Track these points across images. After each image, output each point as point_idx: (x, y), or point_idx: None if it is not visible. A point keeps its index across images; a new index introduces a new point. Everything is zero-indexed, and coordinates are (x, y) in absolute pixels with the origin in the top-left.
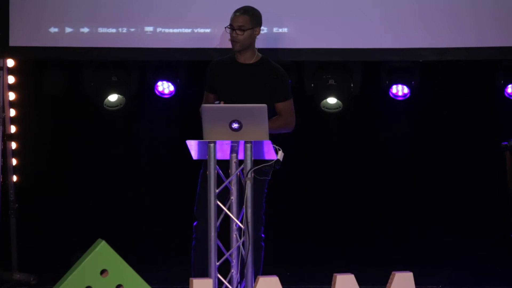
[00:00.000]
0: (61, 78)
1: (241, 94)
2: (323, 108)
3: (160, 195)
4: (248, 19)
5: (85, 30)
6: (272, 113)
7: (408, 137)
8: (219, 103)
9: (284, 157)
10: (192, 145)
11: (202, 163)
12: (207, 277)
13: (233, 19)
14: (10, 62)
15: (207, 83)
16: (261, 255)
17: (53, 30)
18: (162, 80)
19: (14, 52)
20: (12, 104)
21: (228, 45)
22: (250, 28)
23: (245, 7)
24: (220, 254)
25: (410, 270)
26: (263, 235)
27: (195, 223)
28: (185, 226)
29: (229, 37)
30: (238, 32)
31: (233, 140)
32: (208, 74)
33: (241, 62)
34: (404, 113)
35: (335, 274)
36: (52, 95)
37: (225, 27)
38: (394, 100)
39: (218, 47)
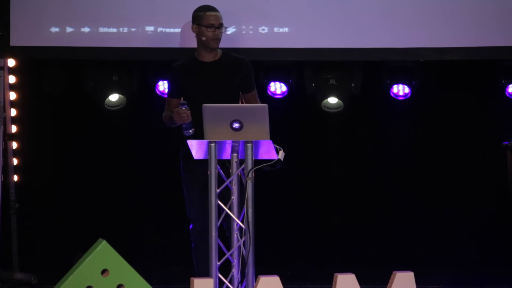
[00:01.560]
0: (62, 78)
1: (214, 92)
2: (323, 108)
3: (161, 195)
4: (220, 16)
5: (86, 29)
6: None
7: (409, 137)
8: (183, 106)
9: (285, 157)
10: (193, 145)
11: (180, 166)
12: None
13: (211, 17)
14: (11, 62)
15: (171, 89)
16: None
17: (54, 29)
18: (163, 80)
19: (15, 52)
20: (13, 104)
21: (229, 44)
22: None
23: (210, 5)
24: (221, 254)
25: (411, 270)
26: None
27: (190, 226)
28: (186, 226)
29: (191, 36)
30: (221, 29)
31: (234, 140)
32: (172, 79)
33: (206, 61)
34: (405, 113)
35: (336, 274)
36: (53, 94)
37: (201, 26)
38: (395, 99)
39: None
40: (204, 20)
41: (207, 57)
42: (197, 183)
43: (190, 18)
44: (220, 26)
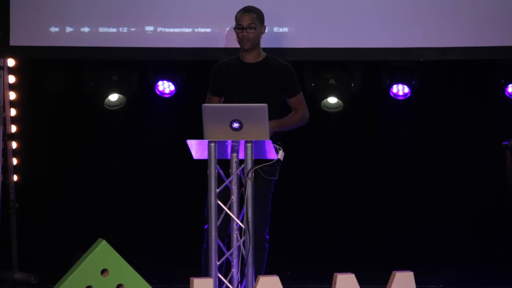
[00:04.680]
0: (62, 78)
1: (252, 94)
2: (323, 108)
3: (161, 195)
4: (255, 18)
5: (86, 29)
6: (280, 109)
7: (409, 137)
8: None
9: (284, 157)
10: (193, 145)
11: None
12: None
13: (240, 18)
14: (11, 62)
15: (212, 86)
16: (265, 257)
17: (54, 29)
18: (162, 79)
19: (14, 52)
20: (12, 104)
21: (230, 44)
22: (258, 26)
23: (249, 6)
24: (220, 254)
25: (411, 270)
26: (267, 236)
27: (206, 226)
28: (186, 226)
29: (234, 37)
30: (249, 30)
31: (234, 140)
32: (214, 77)
33: (247, 61)
34: (405, 113)
35: (335, 274)
36: (53, 94)
37: (234, 28)
38: (394, 99)
39: (219, 46)
40: (236, 21)
41: (248, 58)
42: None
43: (188, 18)
44: (249, 26)
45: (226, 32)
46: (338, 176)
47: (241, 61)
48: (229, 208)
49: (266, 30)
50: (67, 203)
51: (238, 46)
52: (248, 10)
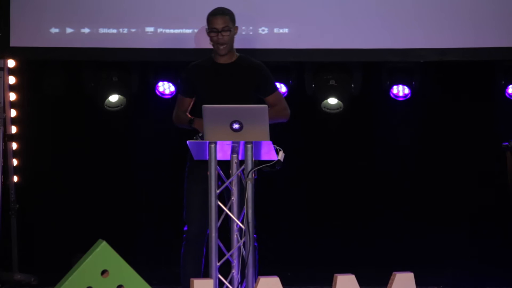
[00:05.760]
0: (62, 79)
1: (226, 94)
2: (323, 109)
3: (161, 195)
4: (229, 20)
5: (86, 30)
6: None
7: (409, 137)
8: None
9: (284, 158)
10: (193, 146)
11: (186, 167)
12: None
13: (213, 21)
14: (11, 63)
15: (184, 88)
16: (256, 256)
17: (54, 30)
18: (162, 80)
19: (14, 53)
20: (12, 105)
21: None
22: (232, 28)
23: (220, 8)
24: (220, 255)
25: (411, 271)
26: (255, 235)
27: (185, 228)
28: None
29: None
30: (224, 33)
31: (234, 141)
32: (186, 78)
33: (221, 62)
34: (405, 114)
35: (335, 275)
36: (53, 95)
37: (207, 31)
38: (394, 100)
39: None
40: (209, 24)
41: (222, 59)
42: (200, 186)
43: (188, 19)
44: (224, 29)
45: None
46: (338, 176)
47: (215, 62)
48: (230, 209)
49: (263, 32)
50: (67, 204)
51: (238, 46)
52: (221, 13)
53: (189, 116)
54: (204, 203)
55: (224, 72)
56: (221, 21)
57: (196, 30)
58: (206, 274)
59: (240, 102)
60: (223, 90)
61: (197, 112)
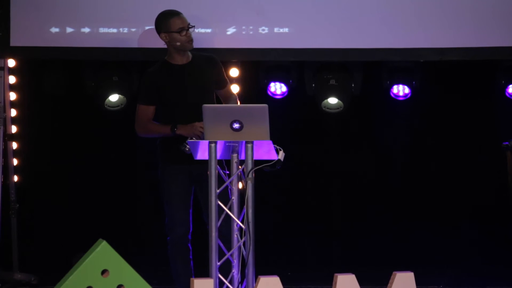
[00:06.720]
0: (62, 78)
1: (192, 94)
2: (324, 108)
3: (161, 195)
4: (184, 16)
5: (86, 30)
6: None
7: (409, 137)
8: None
9: (284, 157)
10: (193, 145)
11: (159, 168)
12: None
13: (180, 20)
14: (11, 62)
15: (147, 96)
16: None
17: (54, 30)
18: None
19: (15, 52)
20: (13, 104)
21: (230, 45)
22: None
23: (170, 10)
24: (221, 255)
25: (411, 270)
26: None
27: (168, 230)
28: None
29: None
30: (192, 29)
31: (234, 140)
32: (150, 86)
33: (181, 63)
34: (405, 113)
35: (336, 274)
36: (53, 95)
37: (178, 31)
38: (395, 100)
39: (219, 47)
40: (173, 26)
41: (181, 60)
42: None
43: (188, 19)
44: (189, 26)
45: (220, 32)
46: (338, 176)
47: (174, 64)
48: (230, 209)
49: (263, 32)
50: (68, 203)
51: (233, 46)
52: (178, 12)
53: (165, 124)
54: (184, 202)
55: (186, 72)
56: (184, 19)
57: (196, 30)
58: (206, 274)
59: (208, 99)
60: (191, 90)
61: (164, 118)
